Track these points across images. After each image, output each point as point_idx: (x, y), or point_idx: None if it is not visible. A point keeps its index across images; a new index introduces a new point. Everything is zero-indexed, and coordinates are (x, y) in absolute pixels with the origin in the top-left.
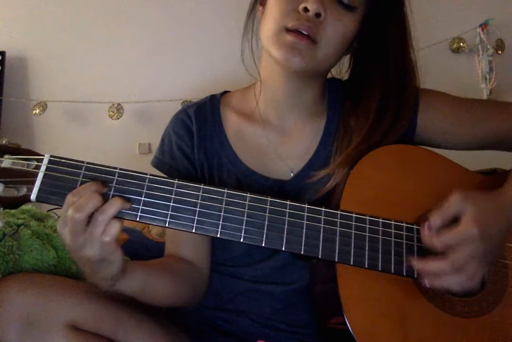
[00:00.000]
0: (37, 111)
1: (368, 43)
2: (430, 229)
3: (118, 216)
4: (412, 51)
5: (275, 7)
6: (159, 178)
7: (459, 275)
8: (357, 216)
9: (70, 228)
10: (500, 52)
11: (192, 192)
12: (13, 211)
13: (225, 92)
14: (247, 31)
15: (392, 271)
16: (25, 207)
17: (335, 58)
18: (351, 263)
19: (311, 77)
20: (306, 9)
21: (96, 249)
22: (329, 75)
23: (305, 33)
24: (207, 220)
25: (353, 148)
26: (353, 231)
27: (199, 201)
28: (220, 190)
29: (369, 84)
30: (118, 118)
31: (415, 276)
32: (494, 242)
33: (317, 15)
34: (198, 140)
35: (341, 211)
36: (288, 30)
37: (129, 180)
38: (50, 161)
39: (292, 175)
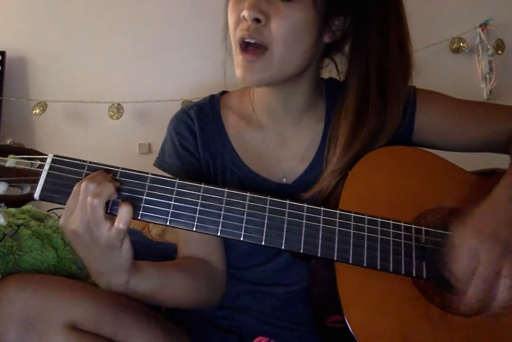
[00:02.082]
0: (37, 111)
1: (351, 40)
2: None
3: None
4: (403, 52)
5: (229, 20)
6: (161, 177)
7: (500, 280)
8: (355, 215)
9: (82, 214)
10: (500, 52)
11: (193, 191)
12: (13, 211)
13: (224, 92)
14: (226, 43)
15: (391, 269)
16: (25, 207)
17: (297, 55)
18: (350, 261)
19: (291, 82)
20: (245, 18)
21: (102, 231)
22: (328, 75)
23: (252, 41)
24: (208, 218)
25: (338, 158)
26: (351, 230)
27: (199, 200)
28: (220, 189)
29: (350, 83)
30: (118, 118)
31: (414, 275)
32: (508, 239)
33: (257, 20)
34: (201, 141)
35: (340, 210)
36: (240, 47)
37: (131, 180)
38: (53, 161)
39: (284, 180)
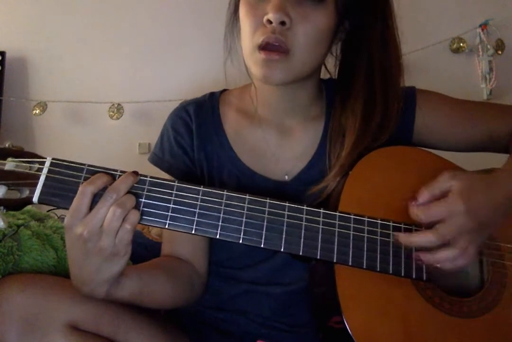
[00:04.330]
0: (37, 111)
1: (352, 39)
2: (417, 203)
3: None
4: (397, 50)
5: (245, 24)
6: (159, 180)
7: (449, 249)
8: (355, 217)
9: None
10: (500, 52)
11: (192, 194)
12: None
13: (224, 90)
14: (227, 43)
15: (390, 271)
16: (25, 207)
17: (316, 58)
18: (350, 263)
19: (300, 80)
20: (270, 21)
21: (112, 240)
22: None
23: (276, 44)
24: (207, 221)
25: (346, 155)
26: (351, 232)
27: (198, 203)
28: (220, 191)
29: (354, 82)
30: (118, 118)
31: (413, 276)
32: (483, 220)
33: (282, 23)
34: (197, 140)
35: (340, 212)
36: (260, 48)
37: None
38: (52, 164)
39: (286, 177)
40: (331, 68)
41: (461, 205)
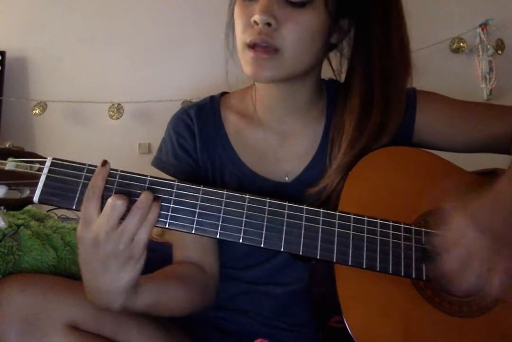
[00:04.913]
0: (37, 111)
1: (353, 38)
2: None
3: None
4: (403, 50)
5: (237, 24)
6: (159, 180)
7: (495, 276)
8: (355, 217)
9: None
10: (500, 52)
11: (192, 194)
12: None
13: (224, 93)
14: (228, 42)
15: (390, 271)
16: (25, 207)
17: (308, 58)
18: (349, 263)
19: (297, 80)
20: (257, 22)
21: (128, 243)
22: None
23: (263, 45)
24: (207, 221)
25: (342, 154)
26: (351, 232)
27: (198, 202)
28: (220, 191)
29: (353, 81)
30: (118, 118)
31: (413, 276)
32: (496, 231)
33: (268, 24)
34: (200, 142)
35: (340, 212)
36: (248, 47)
37: (129, 182)
38: (52, 164)
39: (287, 178)
40: (336, 65)
41: (463, 221)
